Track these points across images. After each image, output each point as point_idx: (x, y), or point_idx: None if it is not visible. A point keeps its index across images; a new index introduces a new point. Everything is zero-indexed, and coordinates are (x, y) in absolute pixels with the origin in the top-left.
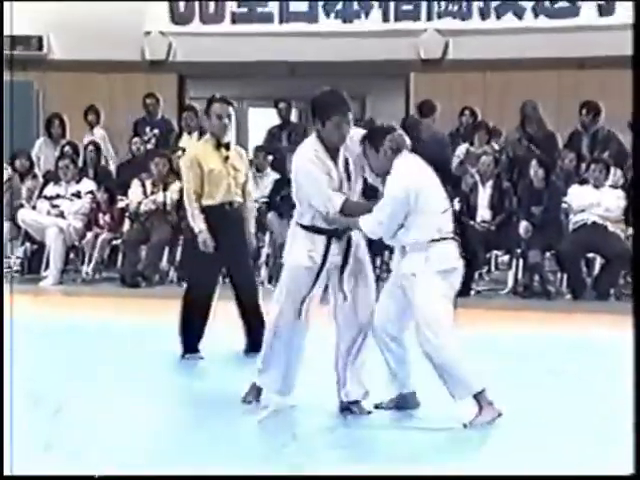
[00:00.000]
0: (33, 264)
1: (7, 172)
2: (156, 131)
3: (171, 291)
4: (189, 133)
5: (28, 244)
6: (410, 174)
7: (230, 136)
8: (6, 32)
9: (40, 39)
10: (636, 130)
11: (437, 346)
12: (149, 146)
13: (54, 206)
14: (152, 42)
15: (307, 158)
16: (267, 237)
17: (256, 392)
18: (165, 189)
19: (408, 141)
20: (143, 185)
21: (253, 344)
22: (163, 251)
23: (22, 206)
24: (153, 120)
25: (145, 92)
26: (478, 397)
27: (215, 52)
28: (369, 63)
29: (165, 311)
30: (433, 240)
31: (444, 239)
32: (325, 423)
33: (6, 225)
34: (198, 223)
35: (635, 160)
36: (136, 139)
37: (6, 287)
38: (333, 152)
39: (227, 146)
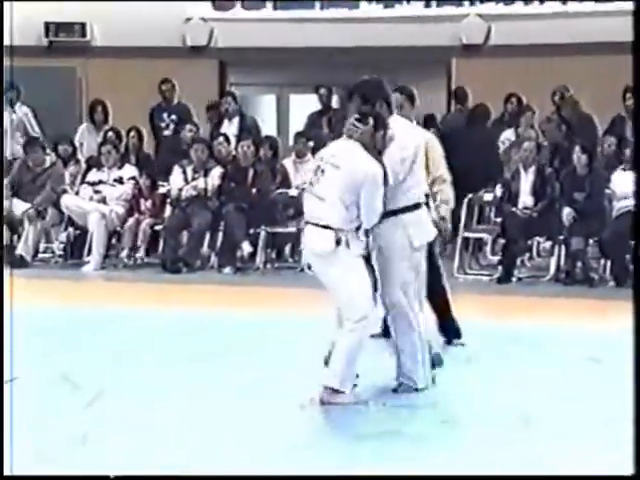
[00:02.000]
0: (76, 249)
1: (50, 157)
2: (174, 117)
3: (212, 277)
4: (229, 119)
5: (71, 229)
6: None
7: None
8: (15, 24)
9: (83, 26)
10: (636, 129)
11: None
12: (167, 132)
13: (96, 192)
14: (193, 28)
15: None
16: None
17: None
18: (206, 175)
19: None
20: (184, 171)
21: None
22: (204, 237)
23: (65, 192)
24: (170, 106)
25: (186, 78)
26: None
27: (256, 38)
28: (410, 49)
29: (205, 297)
30: None
31: None
32: None
33: (50, 211)
34: None
35: (636, 160)
36: (189, 126)
37: (49, 272)
38: None
39: None
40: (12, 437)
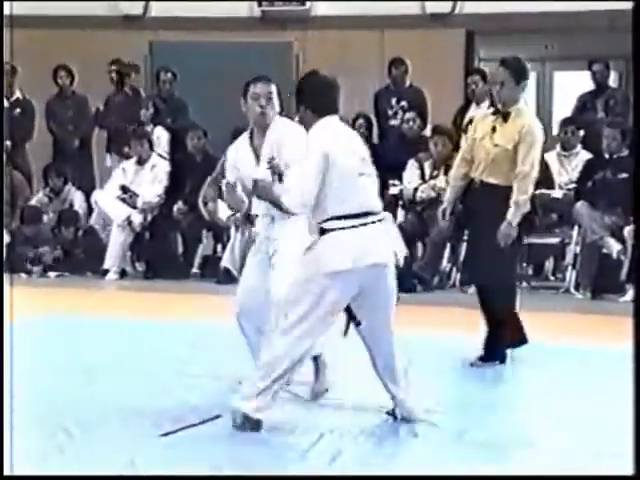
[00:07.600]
0: None
1: None
2: (404, 103)
3: (453, 298)
4: (477, 103)
5: None
6: None
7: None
8: None
9: None
10: (636, 128)
11: None
12: (394, 123)
13: None
14: None
15: None
16: (574, 232)
17: None
18: (447, 173)
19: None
20: (421, 167)
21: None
22: (444, 248)
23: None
24: (400, 90)
25: (425, 53)
26: None
27: (510, 2)
28: None
29: (447, 324)
30: None
31: None
32: None
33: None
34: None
35: (636, 158)
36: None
37: None
38: None
39: (505, 116)
40: (12, 436)
